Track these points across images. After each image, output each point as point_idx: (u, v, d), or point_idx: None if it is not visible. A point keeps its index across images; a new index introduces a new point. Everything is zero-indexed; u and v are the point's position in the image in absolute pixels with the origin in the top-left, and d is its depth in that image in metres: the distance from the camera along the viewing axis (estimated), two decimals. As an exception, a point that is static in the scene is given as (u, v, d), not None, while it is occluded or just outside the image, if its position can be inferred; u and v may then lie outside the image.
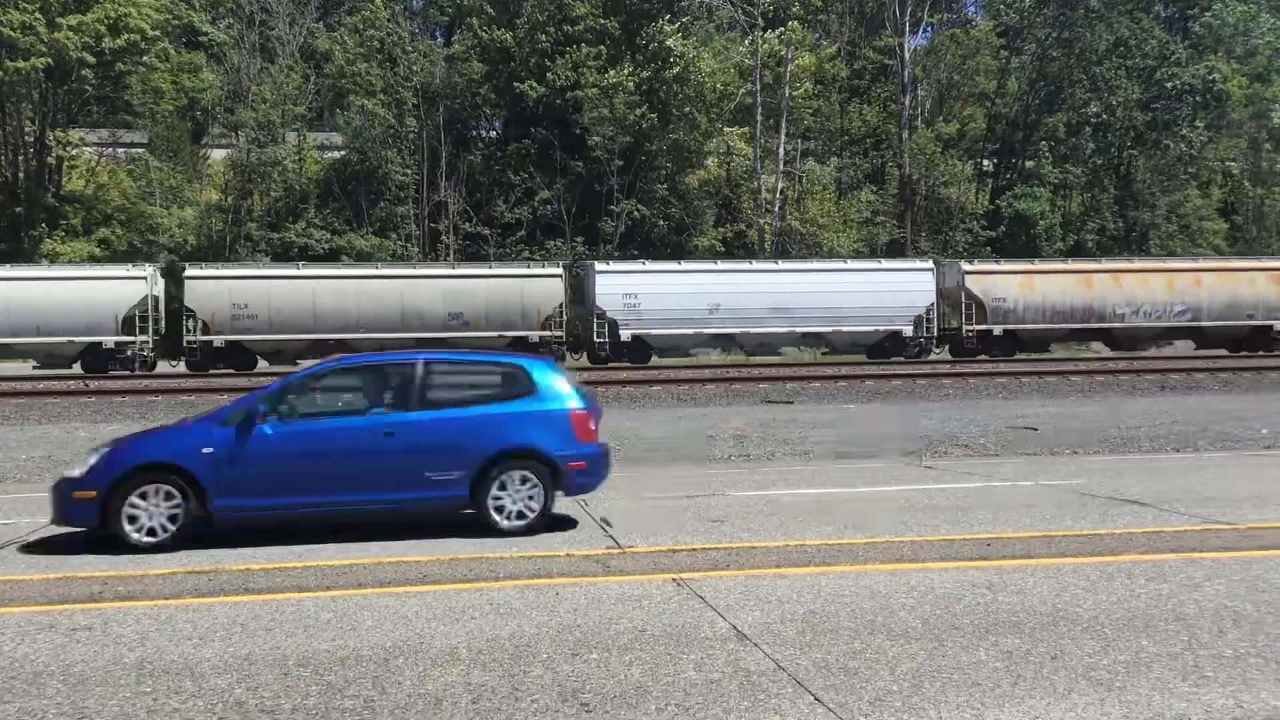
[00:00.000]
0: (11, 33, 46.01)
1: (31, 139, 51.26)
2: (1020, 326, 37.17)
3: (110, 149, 54.09)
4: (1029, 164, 60.87)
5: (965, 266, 37.79)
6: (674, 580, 5.79)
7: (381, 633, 4.84)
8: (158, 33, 50.57)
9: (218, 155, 55.33)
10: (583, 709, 3.82)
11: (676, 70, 50.53)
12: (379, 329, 35.08)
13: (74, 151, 50.99)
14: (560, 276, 36.58)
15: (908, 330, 36.56)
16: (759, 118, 52.57)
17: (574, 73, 49.82)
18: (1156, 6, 78.87)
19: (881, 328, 36.42)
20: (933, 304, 37.13)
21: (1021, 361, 33.93)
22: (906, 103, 60.31)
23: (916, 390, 23.29)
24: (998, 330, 36.84)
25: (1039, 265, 39.14)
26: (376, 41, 52.62)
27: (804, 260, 41.35)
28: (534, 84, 50.57)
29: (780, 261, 40.04)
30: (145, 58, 50.29)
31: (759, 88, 52.08)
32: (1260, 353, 36.68)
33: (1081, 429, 14.88)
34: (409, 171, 51.07)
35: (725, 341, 36.90)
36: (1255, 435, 13.98)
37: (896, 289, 36.87)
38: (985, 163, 63.72)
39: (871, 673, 4.16)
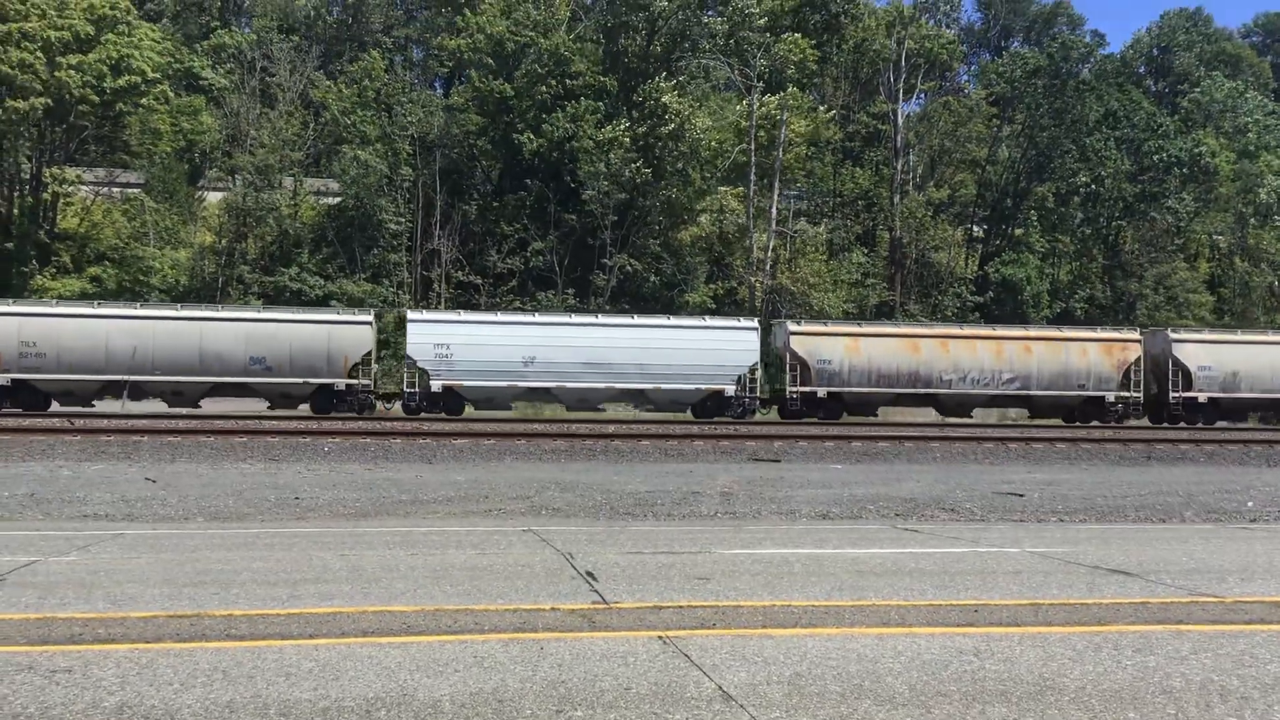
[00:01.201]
0: (11, 70, 46.29)
1: (27, 175, 51.41)
2: (846, 389, 36.89)
3: (106, 188, 54.30)
4: (1018, 231, 61.51)
5: (791, 327, 37.58)
6: (660, 637, 5.76)
7: (364, 683, 4.79)
8: (158, 75, 50.97)
9: (213, 198, 55.59)
10: (567, 767, 3.79)
11: (672, 127, 51.08)
12: (176, 371, 34.38)
13: (69, 189, 51.14)
14: (370, 324, 36.07)
15: (730, 390, 36.04)
16: (753, 177, 53.06)
17: (572, 125, 50.28)
18: (1146, 81, 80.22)
19: (703, 386, 36.01)
20: (756, 364, 36.93)
21: (1009, 428, 34.03)
22: (899, 167, 61.04)
23: (903, 452, 23.33)
24: (822, 392, 36.59)
25: (866, 329, 38.94)
26: (372, 92, 53.04)
27: (623, 315, 40.59)
28: (531, 135, 51.05)
29: (600, 316, 39.71)
30: (145, 99, 50.67)
31: (753, 148, 52.61)
32: (1094, 423, 36.31)
33: (1067, 496, 14.91)
34: (403, 219, 51.36)
35: (542, 395, 36.28)
36: (1241, 508, 14.01)
37: (719, 347, 36.44)
38: (975, 228, 64.37)
39: (858, 738, 4.13)
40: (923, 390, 37.62)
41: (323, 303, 45.26)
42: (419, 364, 35.50)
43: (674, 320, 39.40)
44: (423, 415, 34.40)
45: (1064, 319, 53.57)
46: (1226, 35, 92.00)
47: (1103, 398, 38.15)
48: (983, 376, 37.70)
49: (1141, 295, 58.40)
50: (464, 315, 38.50)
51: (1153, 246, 60.12)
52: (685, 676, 4.97)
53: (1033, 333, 40.07)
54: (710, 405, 36.27)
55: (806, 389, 36.72)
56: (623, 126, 50.63)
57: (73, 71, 47.20)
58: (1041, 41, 77.96)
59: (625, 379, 35.81)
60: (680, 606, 6.67)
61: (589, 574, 7.84)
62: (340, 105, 53.04)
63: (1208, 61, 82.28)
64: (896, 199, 59.59)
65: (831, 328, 39.06)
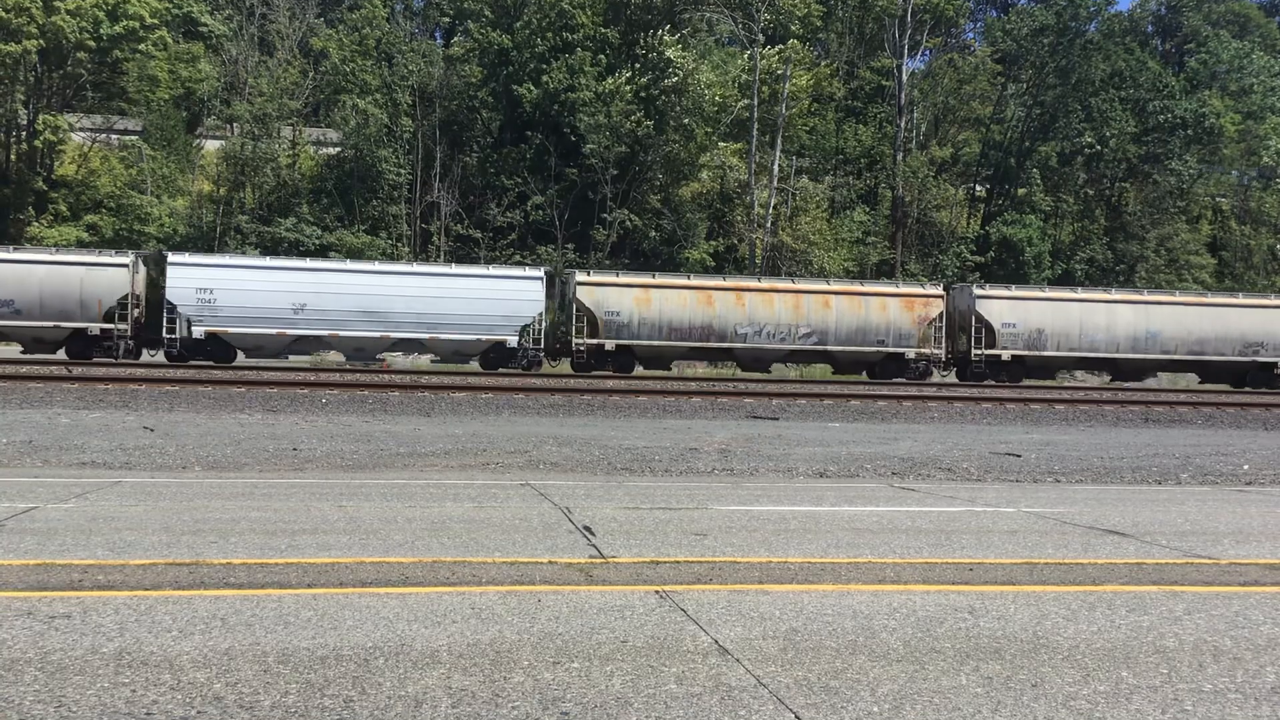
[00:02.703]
0: (6, 14, 45.87)
1: (24, 122, 51.08)
2: (636, 342, 36.18)
3: (103, 135, 53.95)
4: (1021, 191, 61.22)
5: (579, 277, 36.84)
6: (657, 592, 5.78)
7: (362, 633, 4.82)
8: (156, 21, 50.53)
9: (211, 146, 55.28)
10: (563, 717, 3.81)
11: (674, 81, 50.74)
12: None
13: (63, 135, 50.79)
14: (127, 266, 34.71)
15: (513, 341, 35.43)
16: (755, 133, 52.76)
17: (569, 76, 49.92)
18: (1154, 40, 79.58)
19: (484, 336, 35.34)
20: (541, 314, 36.24)
21: (1006, 388, 34.03)
22: (902, 125, 60.64)
23: (902, 411, 23.39)
24: (610, 345, 35.93)
25: (658, 280, 37.90)
26: (372, 41, 52.55)
27: (402, 264, 39.96)
28: (530, 87, 50.69)
29: (376, 263, 38.57)
30: (143, 45, 50.26)
31: (756, 103, 52.27)
32: (897, 380, 35.94)
33: (1064, 457, 14.95)
34: (403, 171, 51.09)
35: (315, 344, 35.33)
36: (1236, 470, 14.05)
37: (502, 297, 35.61)
38: (978, 188, 64.06)
39: (853, 693, 4.16)
40: (716, 344, 36.82)
41: (321, 253, 45.11)
42: (180, 309, 34.36)
43: (454, 269, 38.50)
44: (189, 364, 33.34)
45: (1065, 280, 53.50)
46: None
47: (903, 354, 37.47)
48: (779, 331, 36.94)
49: (1143, 257, 58.28)
50: (228, 259, 37.46)
51: (1155, 208, 59.91)
52: (682, 630, 4.99)
53: (832, 286, 39.00)
54: (494, 356, 35.62)
55: (594, 341, 35.97)
56: (624, 79, 50.27)
57: (68, 16, 46.75)
58: (1049, -1, 77.10)
59: (403, 328, 35.02)
60: (677, 562, 6.70)
61: (586, 528, 7.87)
62: (340, 54, 52.61)
63: (1216, 21, 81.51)
64: (899, 157, 59.28)
65: (622, 278, 38.00)
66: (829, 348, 37.44)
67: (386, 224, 50.63)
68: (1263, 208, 63.08)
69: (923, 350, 37.84)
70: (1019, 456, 14.83)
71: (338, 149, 53.13)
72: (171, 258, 35.85)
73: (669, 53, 50.42)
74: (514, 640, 4.76)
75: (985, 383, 36.34)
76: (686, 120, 51.55)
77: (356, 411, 20.06)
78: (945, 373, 39.52)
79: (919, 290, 39.10)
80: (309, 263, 37.95)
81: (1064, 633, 5.14)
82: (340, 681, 4.14)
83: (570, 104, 49.90)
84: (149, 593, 5.53)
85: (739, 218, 54.59)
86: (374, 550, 6.83)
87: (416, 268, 38.42)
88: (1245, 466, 14.48)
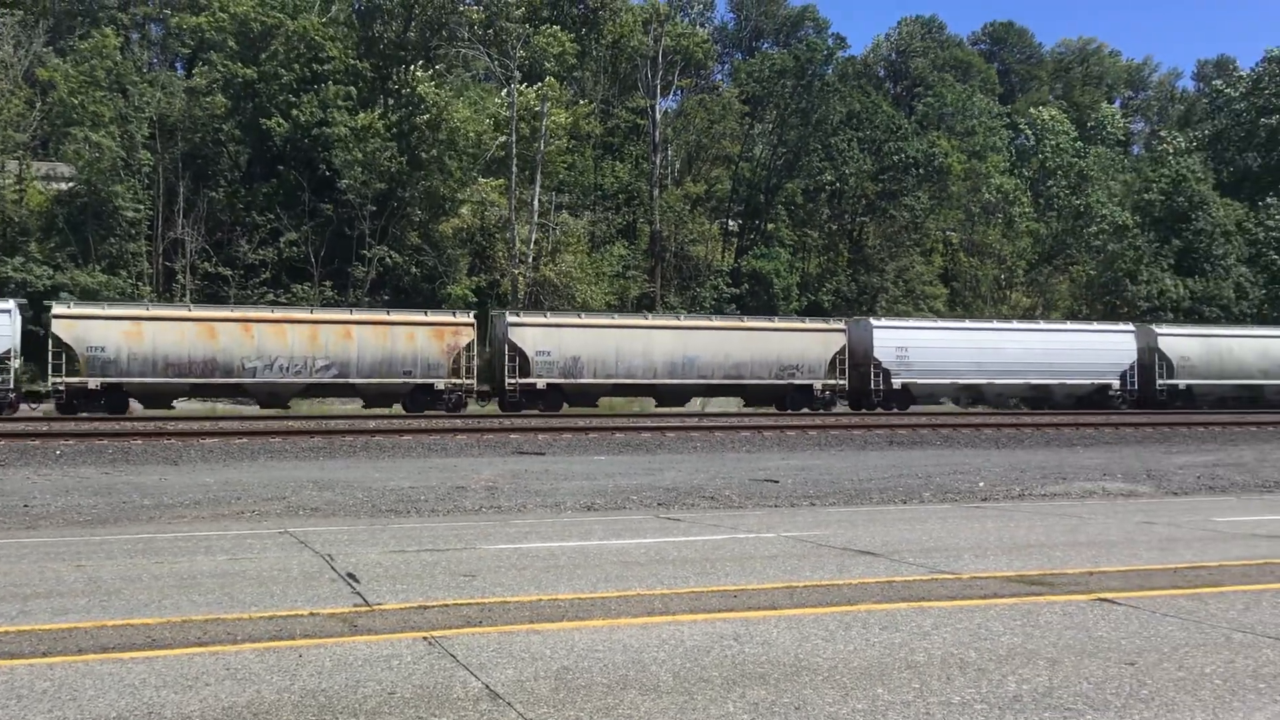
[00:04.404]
0: None
1: None
2: (128, 380, 33.64)
3: None
4: (770, 226, 63.74)
5: (57, 310, 34.17)
6: (425, 638, 5.65)
7: (106, 702, 4.49)
8: None
9: (-76, 181, 50.81)
10: (328, 779, 3.66)
11: (428, 117, 50.32)
12: None
13: None
14: None
15: None
16: (514, 169, 52.90)
17: (321, 111, 48.74)
18: (886, 84, 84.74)
19: None
20: (14, 349, 33.47)
21: (764, 416, 35.16)
22: (657, 162, 62.16)
23: (665, 443, 23.82)
24: (94, 384, 33.15)
25: (151, 311, 35.74)
26: (102, 71, 49.67)
27: None
28: (280, 120, 49.19)
29: None
30: None
31: (514, 140, 52.45)
32: (428, 413, 35.07)
33: (818, 481, 15.58)
34: (142, 207, 48.43)
35: None
36: (974, 487, 15.00)
37: None
38: (731, 223, 66.31)
39: (625, 729, 4.17)
40: (223, 380, 34.77)
41: (52, 295, 42.10)
42: None
43: None
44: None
45: (813, 310, 55.89)
46: (958, 42, 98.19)
47: (433, 385, 36.29)
48: (294, 364, 35.13)
49: (883, 288, 61.64)
50: None
51: (892, 242, 63.58)
52: (452, 677, 4.89)
53: (354, 316, 37.50)
54: None
55: (76, 380, 33.11)
56: (377, 114, 49.51)
57: None
58: (790, 43, 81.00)
59: None
60: (446, 605, 6.58)
61: (350, 575, 7.62)
62: (68, 85, 49.50)
63: (941, 66, 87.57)
64: (656, 193, 60.70)
65: (107, 309, 35.20)
66: (352, 380, 35.80)
67: (125, 262, 47.86)
68: (987, 240, 67.92)
69: (454, 381, 36.66)
70: (777, 483, 15.36)
71: (70, 184, 49.93)
72: None
73: (421, 89, 49.98)
74: (273, 700, 4.55)
75: (523, 412, 35.65)
76: (439, 153, 51.13)
77: (95, 462, 18.82)
78: (483, 404, 38.61)
79: (449, 319, 37.70)
80: None
81: (823, 654, 5.32)
82: (80, 759, 3.84)
83: (323, 139, 48.68)
84: None
85: (501, 253, 54.51)
86: (116, 612, 6.40)
87: None
88: (981, 483, 15.48)
